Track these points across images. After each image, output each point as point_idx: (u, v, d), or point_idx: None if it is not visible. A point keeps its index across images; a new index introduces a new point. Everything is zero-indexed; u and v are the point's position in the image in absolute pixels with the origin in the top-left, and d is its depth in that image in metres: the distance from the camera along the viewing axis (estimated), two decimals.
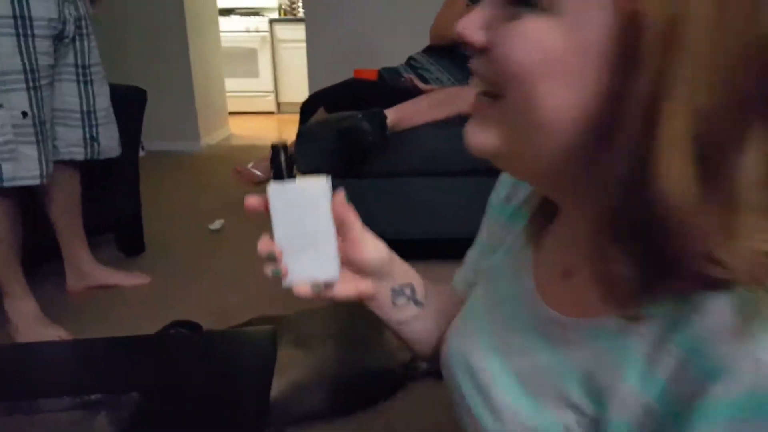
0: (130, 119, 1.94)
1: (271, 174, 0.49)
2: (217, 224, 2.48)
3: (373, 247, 0.54)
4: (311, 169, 1.91)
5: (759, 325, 0.29)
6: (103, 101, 1.71)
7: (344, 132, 1.75)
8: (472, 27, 0.39)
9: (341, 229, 0.52)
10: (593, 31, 0.33)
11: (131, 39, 3.78)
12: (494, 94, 0.39)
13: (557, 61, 0.34)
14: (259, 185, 2.48)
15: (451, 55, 2.25)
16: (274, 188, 0.49)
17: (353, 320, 1.39)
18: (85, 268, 1.86)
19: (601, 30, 0.33)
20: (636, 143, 0.32)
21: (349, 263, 0.54)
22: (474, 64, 0.40)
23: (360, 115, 1.75)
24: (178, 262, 2.13)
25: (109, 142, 1.75)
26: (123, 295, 1.86)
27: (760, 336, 0.28)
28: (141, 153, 2.23)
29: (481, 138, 0.41)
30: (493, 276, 0.54)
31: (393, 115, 1.82)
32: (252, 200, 0.51)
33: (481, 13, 0.39)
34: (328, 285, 0.52)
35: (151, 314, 1.69)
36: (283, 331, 1.30)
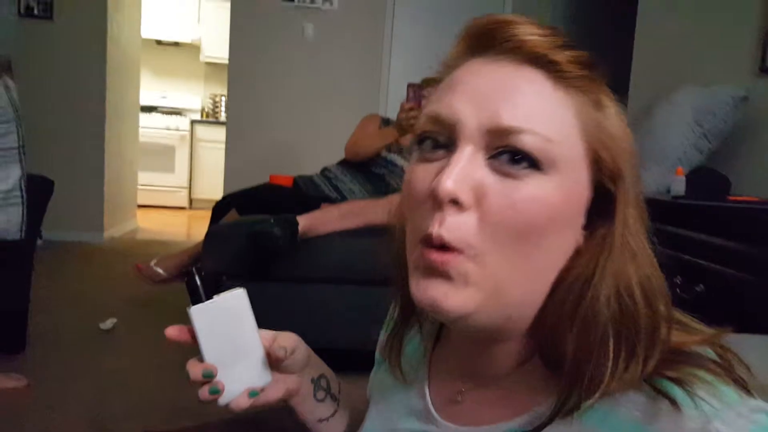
0: (32, 208, 1.88)
1: (189, 298, 0.49)
2: (108, 323, 2.31)
3: (287, 335, 0.55)
4: (217, 269, 1.88)
5: (667, 406, 0.34)
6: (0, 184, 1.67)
7: (255, 235, 1.76)
8: (463, 184, 0.37)
9: None
10: (576, 184, 0.39)
11: (48, 125, 3.67)
12: (472, 253, 0.37)
13: (557, 215, 0.38)
14: (161, 284, 2.37)
15: (363, 170, 2.39)
16: (196, 311, 0.49)
17: None
18: None
19: (580, 182, 0.39)
20: (586, 276, 0.39)
21: (275, 357, 0.53)
22: (451, 223, 0.37)
23: (272, 220, 1.77)
24: (60, 363, 1.97)
25: (4, 225, 1.69)
26: None
27: (689, 412, 0.33)
28: (38, 242, 2.13)
29: (460, 298, 0.38)
30: (383, 392, 0.56)
31: (304, 222, 1.85)
32: (173, 331, 0.50)
33: (464, 171, 0.37)
34: (262, 391, 0.52)
35: (25, 422, 1.55)
36: None
